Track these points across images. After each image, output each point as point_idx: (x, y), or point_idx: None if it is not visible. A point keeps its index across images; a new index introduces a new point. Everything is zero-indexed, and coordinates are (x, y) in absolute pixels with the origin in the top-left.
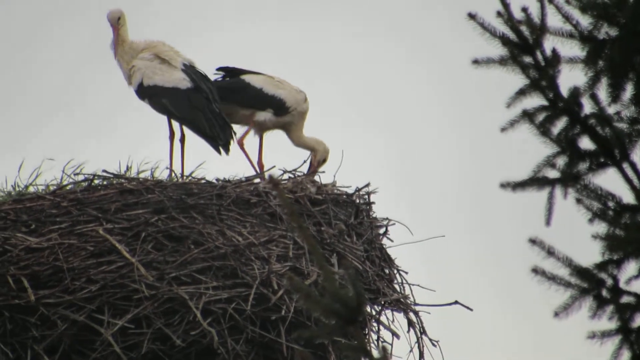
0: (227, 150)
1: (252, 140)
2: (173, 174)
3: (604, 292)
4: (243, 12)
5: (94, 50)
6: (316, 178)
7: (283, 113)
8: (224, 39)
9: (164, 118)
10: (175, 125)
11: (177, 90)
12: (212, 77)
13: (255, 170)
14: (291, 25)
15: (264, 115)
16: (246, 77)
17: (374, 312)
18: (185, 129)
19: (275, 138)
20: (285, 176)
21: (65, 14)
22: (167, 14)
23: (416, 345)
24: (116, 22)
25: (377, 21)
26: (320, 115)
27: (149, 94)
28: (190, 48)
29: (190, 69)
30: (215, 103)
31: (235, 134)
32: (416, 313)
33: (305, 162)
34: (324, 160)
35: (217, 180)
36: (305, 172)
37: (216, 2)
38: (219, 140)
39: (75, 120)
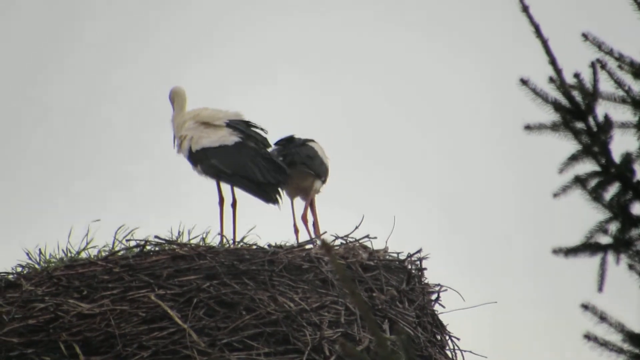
0: (278, 198)
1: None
2: (225, 240)
3: None
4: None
5: (141, 115)
6: (368, 244)
7: (325, 182)
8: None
9: (214, 183)
10: (226, 190)
11: (225, 148)
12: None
13: (310, 237)
14: (336, 86)
15: (319, 184)
16: (313, 145)
17: None
18: (236, 192)
19: (324, 204)
20: (337, 242)
21: (110, 75)
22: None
23: None
24: (169, 98)
25: (428, 88)
26: (373, 182)
27: (199, 158)
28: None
29: (235, 122)
30: (266, 149)
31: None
32: None
33: (357, 227)
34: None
35: (269, 246)
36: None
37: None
38: (272, 184)
39: (126, 185)
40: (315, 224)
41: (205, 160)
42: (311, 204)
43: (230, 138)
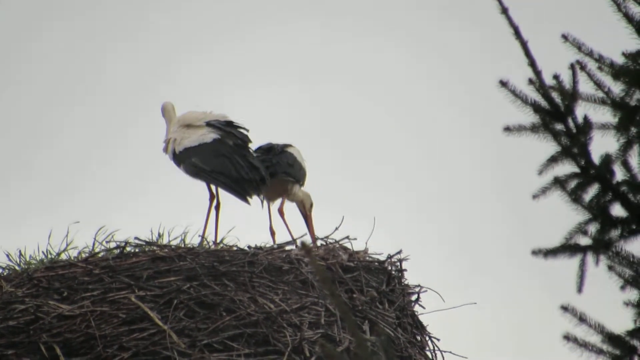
0: (253, 195)
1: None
2: (205, 241)
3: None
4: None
5: (125, 117)
6: (348, 245)
7: (303, 184)
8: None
9: (196, 184)
10: (213, 189)
11: (203, 146)
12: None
13: (293, 238)
14: (320, 90)
15: (297, 188)
16: (292, 152)
17: None
18: (221, 194)
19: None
20: (317, 243)
21: (93, 78)
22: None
23: None
24: (162, 115)
25: (413, 86)
26: (353, 183)
27: (182, 159)
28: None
29: (214, 122)
30: (247, 146)
31: (267, 177)
32: None
33: (337, 228)
34: (312, 206)
35: (249, 247)
36: (307, 228)
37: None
38: (246, 180)
39: (105, 187)
40: (312, 239)
41: (187, 160)
42: (308, 221)
43: (208, 136)
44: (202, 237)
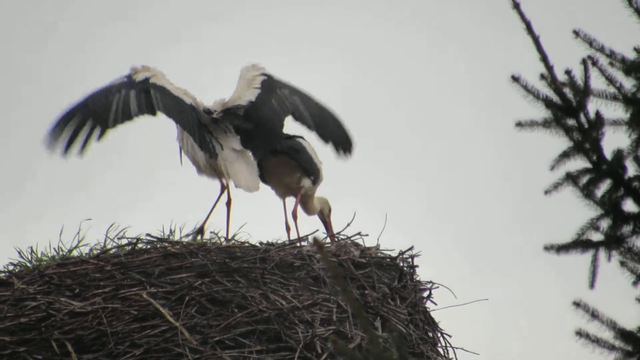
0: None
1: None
2: (216, 238)
3: None
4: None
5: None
6: (360, 241)
7: (316, 183)
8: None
9: (206, 182)
10: (229, 189)
11: (177, 98)
12: None
13: (299, 236)
14: (336, 73)
15: (307, 182)
16: (301, 141)
17: None
18: (232, 191)
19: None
20: (329, 239)
21: (96, 74)
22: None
23: None
24: None
25: (422, 80)
26: (365, 179)
27: (144, 87)
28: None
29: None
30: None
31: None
32: None
33: (348, 224)
34: (330, 211)
35: (261, 243)
36: (327, 234)
37: None
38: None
39: (117, 183)
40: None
41: (153, 92)
42: (328, 227)
43: (187, 99)
44: (227, 233)
